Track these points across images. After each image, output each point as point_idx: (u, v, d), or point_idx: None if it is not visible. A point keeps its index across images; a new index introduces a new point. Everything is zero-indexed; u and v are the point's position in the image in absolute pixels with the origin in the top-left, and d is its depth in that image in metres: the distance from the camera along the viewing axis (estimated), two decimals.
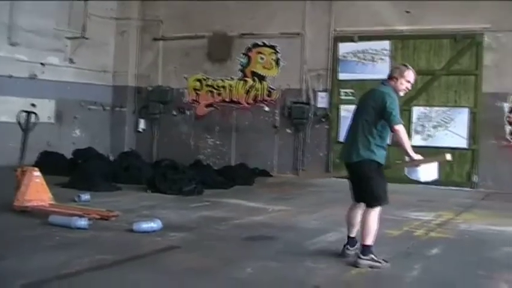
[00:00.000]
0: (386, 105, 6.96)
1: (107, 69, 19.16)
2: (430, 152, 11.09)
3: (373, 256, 6.99)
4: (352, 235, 7.40)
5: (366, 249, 7.02)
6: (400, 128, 7.00)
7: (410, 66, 7.38)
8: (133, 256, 7.24)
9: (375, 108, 7.06)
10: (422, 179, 7.48)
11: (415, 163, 7.27)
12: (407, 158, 7.28)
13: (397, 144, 7.14)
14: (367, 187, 7.11)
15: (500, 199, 13.99)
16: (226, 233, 8.97)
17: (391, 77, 7.28)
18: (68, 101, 17.65)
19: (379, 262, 6.99)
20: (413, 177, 7.48)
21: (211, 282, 6.26)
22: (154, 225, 8.64)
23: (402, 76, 7.21)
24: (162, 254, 7.45)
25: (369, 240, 7.01)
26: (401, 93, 7.29)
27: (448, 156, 7.26)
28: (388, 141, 7.32)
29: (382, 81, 7.42)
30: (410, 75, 7.25)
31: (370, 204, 7.11)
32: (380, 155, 7.10)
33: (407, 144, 7.10)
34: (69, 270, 6.44)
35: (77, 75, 17.91)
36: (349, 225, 7.49)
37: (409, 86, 7.28)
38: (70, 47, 17.86)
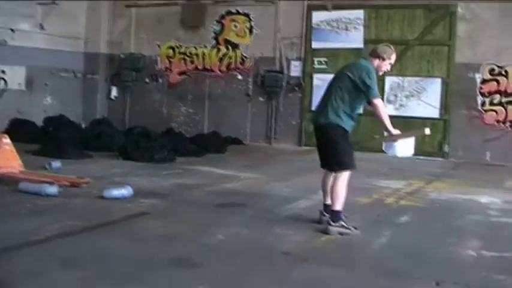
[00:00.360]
0: (367, 78, 7.07)
1: (78, 35, 18.90)
2: (402, 122, 11.21)
3: (343, 223, 7.05)
4: (328, 202, 7.44)
5: (335, 215, 7.09)
6: (379, 102, 7.13)
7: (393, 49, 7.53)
8: (104, 222, 7.22)
9: (353, 79, 7.13)
10: (399, 155, 7.56)
11: (393, 138, 7.34)
12: (385, 133, 7.37)
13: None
14: (332, 152, 7.21)
15: (470, 169, 14.15)
16: (197, 200, 8.98)
17: (377, 56, 7.35)
18: (39, 68, 17.41)
19: (349, 229, 7.06)
20: (390, 152, 7.56)
21: (181, 248, 6.27)
22: (125, 192, 8.61)
23: (389, 58, 7.35)
24: (133, 221, 7.45)
25: (338, 206, 7.07)
26: (381, 73, 7.43)
27: (427, 131, 7.32)
28: (361, 110, 7.38)
29: (364, 57, 7.51)
30: (393, 57, 7.44)
31: (335, 169, 7.21)
32: (347, 123, 7.17)
33: (386, 118, 7.20)
34: (39, 236, 6.42)
35: (48, 41, 17.65)
36: (324, 192, 7.57)
37: (389, 67, 7.48)
38: (41, 13, 17.56)
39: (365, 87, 7.06)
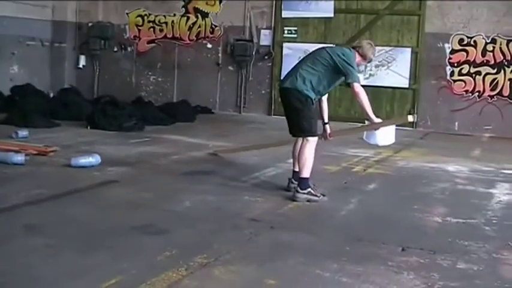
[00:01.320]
0: (349, 63, 7.14)
1: (45, 4, 18.58)
2: (371, 91, 11.25)
3: (310, 190, 7.09)
4: (296, 169, 7.47)
5: (302, 182, 7.13)
6: (360, 89, 7.17)
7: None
8: (71, 190, 7.19)
9: (334, 59, 7.17)
10: (380, 143, 7.59)
11: (375, 126, 7.39)
12: (366, 122, 7.41)
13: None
14: (294, 117, 7.27)
15: (438, 138, 14.27)
16: (165, 168, 8.96)
17: (362, 54, 7.44)
18: (5, 36, 17.07)
19: (317, 196, 7.09)
20: (371, 141, 7.64)
21: (148, 215, 6.25)
22: (92, 160, 8.56)
23: (370, 58, 7.58)
24: (100, 189, 7.42)
25: (305, 173, 7.11)
26: (358, 66, 7.56)
27: (410, 118, 7.35)
28: (326, 93, 7.56)
29: (350, 47, 7.65)
30: (374, 53, 7.74)
31: (298, 135, 7.31)
32: (311, 93, 7.19)
33: (368, 106, 7.25)
34: (5, 204, 6.38)
35: (14, 9, 17.29)
36: (294, 159, 7.60)
37: (367, 63, 7.97)
38: None
39: (346, 70, 7.12)
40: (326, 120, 7.77)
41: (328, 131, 7.80)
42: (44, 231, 5.55)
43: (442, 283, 4.71)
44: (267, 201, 7.09)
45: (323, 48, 7.46)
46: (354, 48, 7.58)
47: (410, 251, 5.45)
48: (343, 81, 7.34)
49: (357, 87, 7.12)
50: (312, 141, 7.16)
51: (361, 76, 15.23)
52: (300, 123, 7.17)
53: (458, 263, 5.22)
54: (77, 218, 6.06)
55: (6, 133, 10.72)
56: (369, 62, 7.89)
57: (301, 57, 7.66)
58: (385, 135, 7.51)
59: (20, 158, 8.39)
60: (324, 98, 7.68)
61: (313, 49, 7.65)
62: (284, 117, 7.54)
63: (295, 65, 7.51)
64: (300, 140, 7.35)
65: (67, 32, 18.78)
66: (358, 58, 7.40)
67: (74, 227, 5.73)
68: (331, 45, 7.93)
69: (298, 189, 7.13)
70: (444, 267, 5.11)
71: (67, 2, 18.68)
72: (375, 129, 7.48)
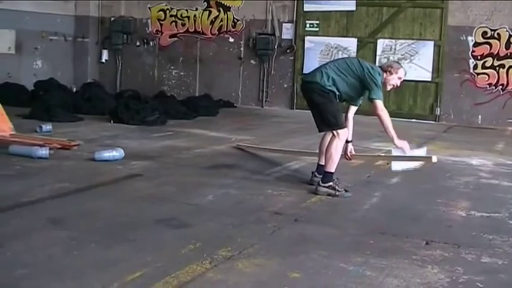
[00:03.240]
0: (375, 79, 7.04)
1: None
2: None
3: (331, 184, 7.07)
4: (322, 163, 7.45)
5: (326, 176, 7.13)
6: (383, 108, 7.03)
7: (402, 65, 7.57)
8: (94, 184, 7.24)
9: (363, 72, 7.09)
10: (400, 168, 7.53)
11: (398, 159, 7.37)
12: (392, 149, 7.34)
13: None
14: (317, 111, 7.22)
15: (462, 132, 14.17)
16: (188, 161, 8.99)
17: (384, 70, 7.30)
18: (29, 31, 17.21)
19: (338, 191, 7.06)
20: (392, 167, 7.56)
21: (171, 209, 6.28)
22: (115, 153, 8.61)
23: (396, 72, 7.29)
24: (123, 182, 7.45)
25: (329, 167, 7.09)
26: (388, 88, 7.42)
27: (435, 159, 7.21)
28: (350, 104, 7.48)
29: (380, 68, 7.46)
30: (401, 72, 7.37)
31: (323, 129, 7.27)
32: (334, 89, 7.10)
33: (391, 127, 7.08)
34: (30, 198, 6.43)
35: (37, 5, 17.40)
36: (320, 152, 7.58)
37: (398, 82, 7.41)
38: None
39: (372, 85, 7.03)
40: (350, 139, 7.62)
41: (350, 149, 7.71)
42: (68, 224, 5.59)
43: (466, 277, 4.68)
44: (290, 195, 7.08)
45: (356, 57, 7.43)
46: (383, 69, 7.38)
47: (434, 244, 5.42)
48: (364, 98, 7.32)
49: (380, 104, 7.03)
50: (341, 134, 7.11)
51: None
52: (325, 117, 7.13)
53: (483, 257, 5.18)
54: (100, 211, 6.10)
55: (31, 127, 10.80)
56: (397, 77, 7.35)
57: (330, 61, 7.62)
58: (406, 164, 7.50)
59: (44, 152, 8.45)
60: (350, 116, 7.55)
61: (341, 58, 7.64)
62: (307, 111, 7.52)
63: (322, 64, 7.48)
64: (328, 134, 7.29)
65: (89, 26, 18.89)
66: (384, 76, 7.25)
67: (97, 220, 5.76)
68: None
69: (320, 182, 7.12)
70: (468, 261, 5.07)
71: None
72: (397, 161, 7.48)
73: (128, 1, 18.81)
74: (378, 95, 7.05)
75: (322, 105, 7.13)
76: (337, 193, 7.04)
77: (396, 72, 7.30)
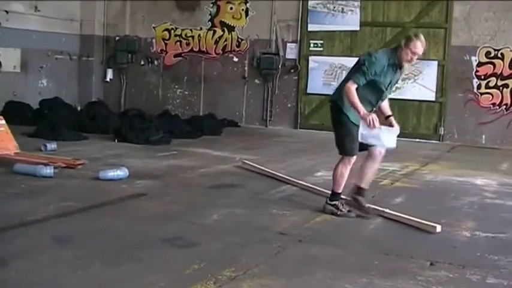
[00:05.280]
0: (363, 64, 6.83)
1: (73, 17, 18.80)
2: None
3: (336, 203, 7.09)
4: (362, 185, 7.30)
5: (332, 196, 7.19)
6: (348, 85, 6.79)
7: (420, 38, 6.87)
8: (100, 203, 7.25)
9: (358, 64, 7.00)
10: (386, 144, 7.17)
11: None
12: (382, 127, 7.05)
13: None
14: (335, 133, 7.19)
15: (465, 152, 14.16)
16: (192, 181, 8.99)
17: (399, 45, 6.95)
18: (34, 50, 17.29)
19: (341, 210, 7.08)
20: (371, 141, 7.11)
21: (176, 228, 6.28)
22: (120, 173, 8.62)
23: (407, 46, 6.79)
24: (128, 201, 7.47)
25: (335, 188, 7.12)
26: (405, 64, 7.03)
27: (439, 228, 6.89)
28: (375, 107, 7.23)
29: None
30: (417, 45, 6.80)
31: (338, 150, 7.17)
32: (350, 112, 6.94)
33: (356, 105, 6.77)
34: (35, 217, 6.44)
35: (42, 23, 17.51)
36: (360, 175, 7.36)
37: (414, 57, 6.86)
38: None
39: (358, 68, 6.87)
40: (389, 113, 7.48)
41: (390, 123, 7.37)
42: (73, 243, 5.60)
43: None
44: (295, 215, 7.08)
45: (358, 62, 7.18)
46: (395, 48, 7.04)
47: (439, 265, 5.42)
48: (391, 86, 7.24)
49: (349, 83, 6.78)
50: (346, 159, 7.08)
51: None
52: (338, 140, 7.12)
53: (488, 277, 5.17)
54: (106, 230, 6.11)
55: (36, 146, 10.82)
56: (411, 51, 6.78)
57: None
58: (388, 138, 7.17)
59: (48, 170, 8.47)
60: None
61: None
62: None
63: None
64: (368, 158, 7.21)
65: (94, 45, 18.96)
66: (398, 53, 6.87)
67: (103, 239, 5.77)
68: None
69: (328, 200, 7.19)
70: (473, 282, 5.07)
71: (95, 15, 18.86)
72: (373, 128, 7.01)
73: (133, 20, 18.90)
74: (355, 76, 6.78)
75: (335, 128, 7.15)
76: (339, 213, 7.08)
77: (407, 46, 6.79)
